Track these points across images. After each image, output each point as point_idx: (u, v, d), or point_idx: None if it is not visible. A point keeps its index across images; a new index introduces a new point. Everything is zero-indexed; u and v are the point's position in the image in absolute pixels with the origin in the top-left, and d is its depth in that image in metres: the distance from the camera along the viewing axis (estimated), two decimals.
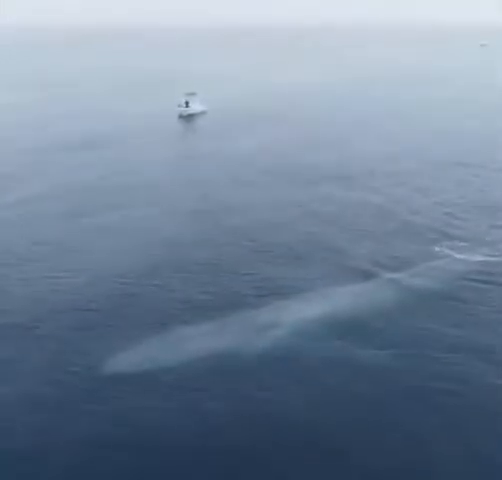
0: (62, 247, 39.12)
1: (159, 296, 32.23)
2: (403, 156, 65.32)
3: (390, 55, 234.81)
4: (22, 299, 32.02)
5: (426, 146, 70.63)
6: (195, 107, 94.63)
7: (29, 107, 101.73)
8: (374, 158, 64.06)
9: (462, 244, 38.95)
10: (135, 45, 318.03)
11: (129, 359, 25.34)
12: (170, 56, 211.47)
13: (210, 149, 69.62)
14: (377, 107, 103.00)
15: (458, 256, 37.08)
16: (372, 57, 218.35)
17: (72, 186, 53.41)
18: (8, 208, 47.23)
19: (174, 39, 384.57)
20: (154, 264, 36.08)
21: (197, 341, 26.94)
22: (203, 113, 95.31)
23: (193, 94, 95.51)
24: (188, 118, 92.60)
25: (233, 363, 25.65)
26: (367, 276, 34.30)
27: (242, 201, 48.95)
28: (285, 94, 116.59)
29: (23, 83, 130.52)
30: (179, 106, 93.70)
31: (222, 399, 23.80)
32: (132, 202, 48.88)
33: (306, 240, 40.24)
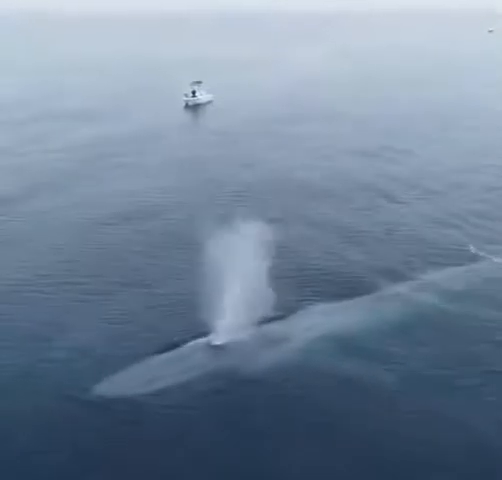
0: None
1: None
2: None
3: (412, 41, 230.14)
4: None
5: None
6: (201, 97, 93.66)
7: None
8: None
9: None
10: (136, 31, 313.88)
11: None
12: (175, 43, 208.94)
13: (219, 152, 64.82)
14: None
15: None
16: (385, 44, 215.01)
17: None
18: None
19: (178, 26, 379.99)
20: None
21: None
22: (209, 102, 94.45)
23: (199, 83, 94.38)
24: (195, 108, 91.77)
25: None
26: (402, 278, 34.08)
27: None
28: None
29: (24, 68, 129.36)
30: (186, 96, 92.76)
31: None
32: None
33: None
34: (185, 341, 27.27)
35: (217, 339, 27.26)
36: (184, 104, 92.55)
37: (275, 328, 28.51)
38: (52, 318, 30.04)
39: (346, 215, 44.64)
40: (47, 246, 38.78)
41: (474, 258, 36.76)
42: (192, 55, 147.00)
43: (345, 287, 32.97)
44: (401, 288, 32.94)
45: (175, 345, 27.03)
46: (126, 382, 24.75)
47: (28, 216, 44.32)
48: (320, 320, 29.43)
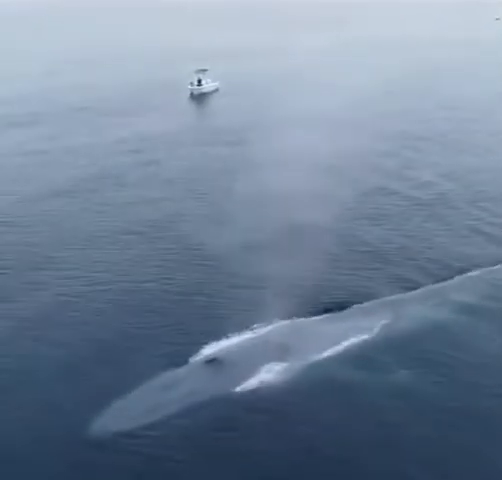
0: None
1: None
2: None
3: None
4: None
5: None
6: (207, 85, 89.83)
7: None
8: None
9: None
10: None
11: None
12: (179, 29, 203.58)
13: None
14: None
15: None
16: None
17: None
18: None
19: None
20: None
21: None
22: (216, 91, 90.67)
23: (204, 70, 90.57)
24: (200, 97, 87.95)
25: None
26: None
27: None
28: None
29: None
30: (191, 85, 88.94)
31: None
32: None
33: None
34: (183, 359, 24.71)
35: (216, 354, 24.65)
36: (189, 94, 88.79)
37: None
38: None
39: None
40: None
41: None
42: (199, 45, 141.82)
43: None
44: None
45: (173, 365, 24.42)
46: (125, 413, 21.93)
47: None
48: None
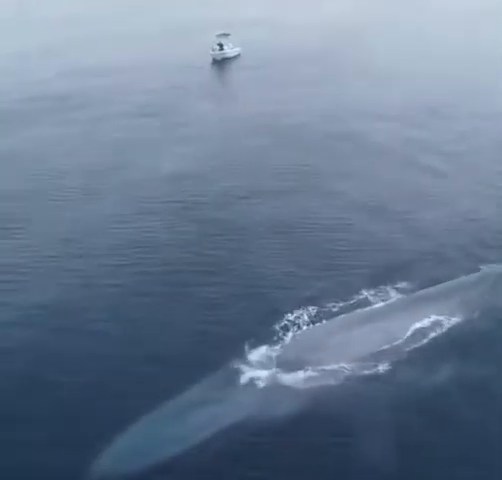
0: None
1: None
2: None
3: None
4: None
5: None
6: (229, 50, 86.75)
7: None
8: None
9: None
10: None
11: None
12: None
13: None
14: None
15: None
16: None
17: None
18: None
19: None
20: None
21: None
22: (238, 56, 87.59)
23: (226, 35, 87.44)
24: (222, 62, 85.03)
25: None
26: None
27: None
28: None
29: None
30: (212, 50, 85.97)
31: None
32: None
33: None
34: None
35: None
36: (211, 59, 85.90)
37: None
38: None
39: None
40: None
41: None
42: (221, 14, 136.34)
43: None
44: None
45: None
46: (130, 453, 19.02)
47: None
48: None
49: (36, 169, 43.96)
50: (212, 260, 30.11)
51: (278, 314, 24.90)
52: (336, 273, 28.50)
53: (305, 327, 24.27)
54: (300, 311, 25.07)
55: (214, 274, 28.84)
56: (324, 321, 24.58)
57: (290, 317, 24.78)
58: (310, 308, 25.29)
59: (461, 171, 40.77)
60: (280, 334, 23.84)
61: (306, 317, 24.79)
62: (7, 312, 26.34)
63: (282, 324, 24.34)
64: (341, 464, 18.89)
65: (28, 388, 21.87)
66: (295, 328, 24.22)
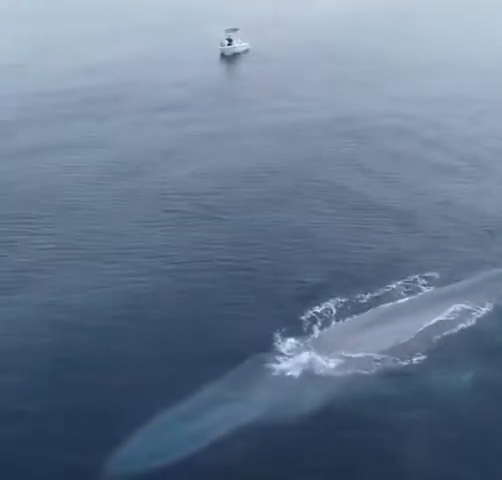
0: None
1: None
2: None
3: None
4: None
5: None
6: (238, 45, 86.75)
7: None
8: None
9: None
10: None
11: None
12: None
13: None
14: None
15: None
16: None
17: None
18: None
19: None
20: None
21: None
22: (247, 51, 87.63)
23: (235, 30, 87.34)
24: (232, 58, 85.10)
25: None
26: None
27: None
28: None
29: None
30: (221, 45, 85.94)
31: None
32: None
33: None
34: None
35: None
36: (220, 54, 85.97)
37: None
38: None
39: None
40: None
41: None
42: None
43: None
44: None
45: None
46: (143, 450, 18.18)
47: None
48: None
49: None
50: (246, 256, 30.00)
51: (307, 306, 24.52)
52: (364, 265, 28.41)
53: (333, 320, 23.85)
54: (328, 303, 24.73)
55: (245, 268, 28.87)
56: (354, 315, 24.16)
57: (318, 309, 24.43)
58: (338, 299, 24.96)
59: None
60: (309, 326, 23.50)
61: (334, 309, 24.39)
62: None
63: (311, 316, 23.99)
64: (369, 462, 18.29)
65: (45, 385, 21.30)
66: (324, 320, 23.83)
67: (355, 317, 24.12)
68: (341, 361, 21.66)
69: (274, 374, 20.92)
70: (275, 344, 22.22)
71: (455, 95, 59.34)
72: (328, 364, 21.49)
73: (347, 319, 23.98)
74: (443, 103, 56.67)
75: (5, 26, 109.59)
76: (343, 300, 25.01)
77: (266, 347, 22.03)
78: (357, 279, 26.71)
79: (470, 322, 24.00)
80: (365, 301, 25.17)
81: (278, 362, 21.41)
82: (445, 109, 54.59)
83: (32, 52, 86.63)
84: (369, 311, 24.51)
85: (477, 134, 47.77)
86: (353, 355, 21.90)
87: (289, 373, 21.00)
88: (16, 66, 76.12)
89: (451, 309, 24.55)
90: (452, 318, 24.11)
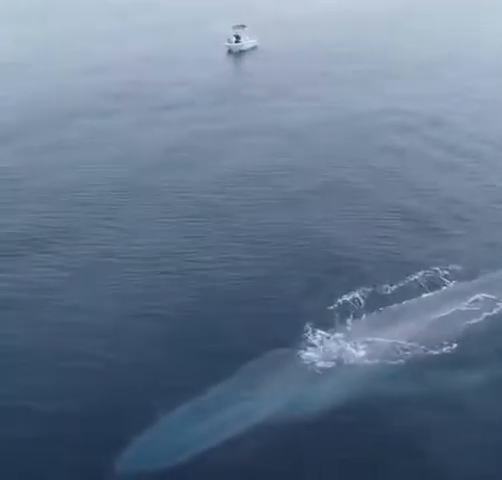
0: None
1: None
2: None
3: None
4: None
5: None
6: (245, 42, 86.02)
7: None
8: None
9: None
10: None
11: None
12: None
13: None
14: None
15: None
16: None
17: None
18: None
19: None
20: None
21: None
22: (254, 48, 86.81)
23: (243, 27, 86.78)
24: (238, 54, 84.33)
25: None
26: None
27: None
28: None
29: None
30: (228, 42, 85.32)
31: None
32: None
33: None
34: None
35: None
36: (226, 51, 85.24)
37: None
38: None
39: None
40: None
41: None
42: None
43: None
44: None
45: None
46: (156, 447, 18.10)
47: None
48: None
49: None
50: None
51: (333, 297, 24.64)
52: (391, 256, 28.74)
53: (359, 312, 23.90)
54: (355, 294, 24.81)
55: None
56: (380, 308, 24.21)
57: (345, 299, 24.55)
58: (363, 290, 25.03)
59: None
60: (337, 317, 23.44)
61: (361, 300, 24.52)
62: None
63: (337, 306, 24.08)
64: (391, 458, 17.96)
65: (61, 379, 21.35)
66: (351, 312, 23.83)
67: (381, 309, 24.16)
68: (370, 351, 21.66)
69: (299, 367, 20.86)
70: (302, 336, 22.21)
71: (456, 93, 58.81)
72: (358, 353, 21.53)
73: (373, 312, 24.02)
74: (445, 100, 56.27)
75: (5, 26, 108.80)
76: (369, 291, 25.10)
77: (290, 342, 21.99)
78: (379, 272, 26.80)
79: (494, 312, 23.97)
80: (389, 292, 25.27)
81: (304, 354, 21.44)
82: (447, 106, 54.20)
83: (45, 50, 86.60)
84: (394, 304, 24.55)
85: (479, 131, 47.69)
86: (380, 344, 21.92)
87: (318, 364, 21.00)
88: (18, 65, 75.66)
89: (473, 299, 24.64)
90: (476, 308, 24.12)
